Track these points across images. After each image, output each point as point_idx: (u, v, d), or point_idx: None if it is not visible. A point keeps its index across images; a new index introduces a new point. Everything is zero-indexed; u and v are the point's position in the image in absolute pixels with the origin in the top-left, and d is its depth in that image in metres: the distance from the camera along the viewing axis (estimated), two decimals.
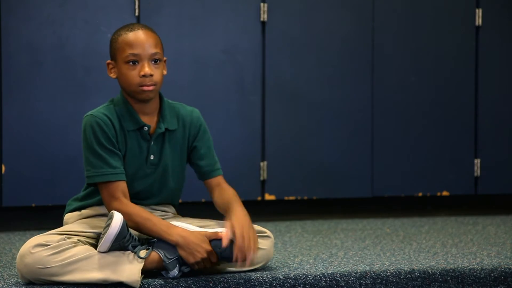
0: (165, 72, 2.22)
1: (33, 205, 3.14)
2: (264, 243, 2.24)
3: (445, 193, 3.61)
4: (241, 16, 3.36)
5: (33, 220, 3.18)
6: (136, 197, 2.22)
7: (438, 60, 3.60)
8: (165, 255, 2.11)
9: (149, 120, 2.22)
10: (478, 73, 3.62)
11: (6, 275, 2.23)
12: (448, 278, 2.34)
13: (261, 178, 3.41)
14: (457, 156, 3.62)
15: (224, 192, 2.29)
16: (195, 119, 2.27)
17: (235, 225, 2.13)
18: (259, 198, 3.41)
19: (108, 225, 2.04)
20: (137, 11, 3.22)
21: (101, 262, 2.05)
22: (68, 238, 2.10)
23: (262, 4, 3.37)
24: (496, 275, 2.37)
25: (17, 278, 2.19)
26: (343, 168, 3.50)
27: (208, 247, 2.10)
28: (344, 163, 3.50)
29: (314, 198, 3.49)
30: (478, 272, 2.36)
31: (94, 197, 2.24)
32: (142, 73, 2.14)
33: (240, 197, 3.37)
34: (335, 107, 3.49)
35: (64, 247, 2.05)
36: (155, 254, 2.12)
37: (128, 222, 2.11)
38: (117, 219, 2.03)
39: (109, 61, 2.21)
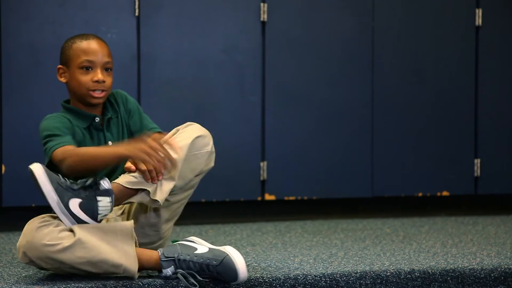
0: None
1: (33, 205, 3.13)
2: (188, 128, 2.24)
3: (445, 193, 3.61)
4: (241, 16, 3.36)
5: None
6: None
7: (438, 60, 3.60)
8: (163, 253, 2.12)
9: (96, 113, 2.33)
10: (478, 73, 3.62)
11: (6, 275, 2.23)
12: (448, 278, 2.34)
13: (261, 178, 3.41)
14: (457, 156, 3.62)
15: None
16: (120, 95, 2.37)
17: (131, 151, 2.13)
18: (259, 198, 3.41)
19: (35, 182, 2.07)
20: (137, 11, 3.22)
21: (95, 243, 2.06)
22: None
23: (262, 4, 3.37)
24: (496, 275, 2.37)
25: (17, 278, 2.19)
26: (343, 168, 3.50)
27: (145, 138, 2.10)
28: (344, 163, 3.50)
29: (314, 198, 3.49)
30: (478, 272, 2.36)
31: None
32: (95, 78, 2.26)
33: (240, 197, 3.39)
34: (335, 107, 3.49)
35: (64, 227, 2.08)
36: (155, 252, 2.12)
37: (80, 164, 2.12)
38: (35, 166, 2.08)
39: (60, 66, 2.34)
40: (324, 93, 3.48)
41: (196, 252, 2.11)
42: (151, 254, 2.13)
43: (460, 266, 2.38)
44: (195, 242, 2.17)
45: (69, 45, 2.31)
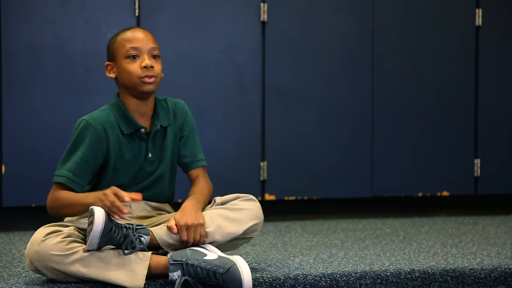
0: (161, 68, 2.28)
1: (33, 205, 3.14)
2: (248, 204, 2.23)
3: (445, 193, 3.61)
4: (241, 16, 3.36)
5: (33, 220, 3.18)
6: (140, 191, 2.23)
7: (438, 60, 3.60)
8: (171, 256, 2.10)
9: (145, 121, 2.26)
10: (478, 73, 3.62)
11: (6, 275, 2.23)
12: (448, 278, 2.34)
13: (261, 178, 3.41)
14: (457, 156, 3.62)
15: (195, 186, 2.31)
16: (180, 110, 2.33)
17: (178, 220, 2.14)
18: (259, 198, 3.40)
19: (91, 222, 2.03)
20: (137, 11, 3.22)
21: (104, 260, 2.06)
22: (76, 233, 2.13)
23: (262, 4, 3.37)
24: (496, 275, 2.37)
25: (17, 278, 2.19)
26: (343, 168, 3.50)
27: (109, 192, 2.07)
28: (344, 163, 3.50)
29: (314, 198, 3.49)
30: (478, 272, 2.36)
31: None
32: (143, 64, 2.20)
33: None
34: (335, 107, 3.49)
35: (73, 239, 2.08)
36: (163, 259, 2.11)
37: (56, 209, 2.16)
38: (99, 213, 2.03)
39: (108, 62, 2.27)
40: (324, 93, 3.48)
41: (205, 258, 2.10)
42: (159, 260, 2.12)
43: (460, 266, 2.38)
44: (206, 249, 2.15)
45: (114, 39, 2.26)
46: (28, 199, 3.13)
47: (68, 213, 2.18)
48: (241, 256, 2.13)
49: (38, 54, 3.12)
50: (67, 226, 2.16)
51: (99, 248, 2.06)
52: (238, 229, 2.18)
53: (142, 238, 2.10)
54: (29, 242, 2.10)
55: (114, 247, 2.08)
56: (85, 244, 2.07)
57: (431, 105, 3.60)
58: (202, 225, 2.14)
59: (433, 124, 3.60)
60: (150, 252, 2.11)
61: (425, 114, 3.59)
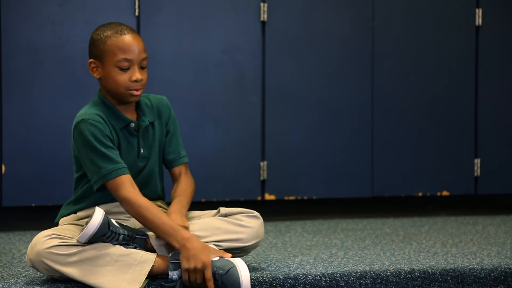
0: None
1: (33, 205, 3.13)
2: (251, 221, 2.22)
3: (445, 193, 3.61)
4: (241, 16, 3.36)
5: (33, 220, 3.18)
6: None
7: (438, 60, 3.60)
8: (173, 255, 2.10)
9: (131, 117, 2.24)
10: (478, 73, 3.62)
11: (6, 275, 2.23)
12: (448, 278, 2.34)
13: (261, 178, 3.41)
14: (457, 156, 3.62)
15: (179, 186, 2.29)
16: (165, 107, 2.30)
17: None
18: (259, 198, 3.40)
19: (88, 222, 2.06)
20: (137, 11, 3.22)
21: (105, 264, 2.07)
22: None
23: (262, 4, 3.37)
24: (496, 275, 2.37)
25: (17, 278, 2.19)
26: (343, 168, 3.50)
27: (207, 259, 2.06)
28: (344, 163, 3.50)
29: (314, 198, 3.49)
30: (478, 272, 2.36)
31: (88, 198, 2.23)
32: (134, 78, 2.15)
33: (240, 197, 3.38)
34: (335, 107, 3.49)
35: (71, 242, 2.08)
36: (166, 259, 2.11)
37: (136, 215, 2.11)
38: (97, 216, 2.04)
39: (91, 60, 2.19)
40: (324, 93, 3.47)
41: None
42: (163, 259, 2.12)
43: (460, 266, 2.38)
44: None
45: (103, 38, 2.16)
46: (28, 199, 3.13)
47: (144, 224, 2.14)
48: (247, 268, 2.09)
49: (38, 54, 3.11)
50: (66, 230, 2.15)
51: (90, 243, 2.08)
52: (237, 245, 2.19)
53: (138, 249, 2.12)
54: (30, 245, 2.10)
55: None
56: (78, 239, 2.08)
57: (431, 105, 3.60)
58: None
59: (433, 124, 3.60)
60: (154, 256, 2.10)
61: (425, 114, 3.59)
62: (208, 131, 3.33)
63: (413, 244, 2.79)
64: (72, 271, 2.06)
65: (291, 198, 3.44)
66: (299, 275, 2.24)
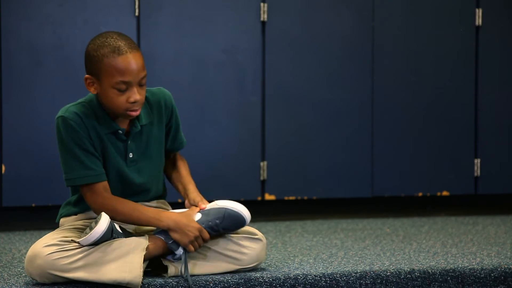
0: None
1: (33, 205, 3.13)
2: (253, 245, 2.23)
3: (445, 193, 3.61)
4: (241, 16, 3.36)
5: (33, 220, 3.18)
6: (127, 195, 2.21)
7: (438, 60, 3.60)
8: (166, 237, 2.14)
9: (124, 121, 2.18)
10: (478, 73, 3.62)
11: (6, 275, 2.23)
12: (448, 278, 2.34)
13: (261, 178, 3.40)
14: (457, 156, 3.62)
15: (180, 164, 2.33)
16: (168, 104, 2.26)
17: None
18: (259, 198, 3.40)
19: (96, 224, 2.07)
20: (137, 11, 3.22)
21: (105, 259, 2.08)
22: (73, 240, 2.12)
23: (262, 4, 3.37)
24: (496, 275, 2.37)
25: (17, 278, 2.19)
26: (343, 168, 3.50)
27: (197, 225, 2.14)
28: (344, 163, 3.50)
29: (314, 198, 3.49)
30: (478, 272, 2.36)
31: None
32: (132, 100, 2.09)
33: (240, 197, 3.38)
34: (335, 107, 3.49)
35: (71, 247, 2.08)
36: (158, 240, 2.14)
37: (116, 217, 2.13)
38: (103, 223, 2.06)
39: (88, 75, 2.12)
40: (324, 93, 3.47)
41: (196, 220, 2.15)
42: (156, 241, 2.14)
43: (460, 266, 2.38)
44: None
45: (99, 57, 2.07)
46: (28, 199, 3.13)
47: (134, 223, 2.18)
48: (235, 202, 2.20)
49: (38, 54, 3.11)
50: (65, 232, 2.16)
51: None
52: (235, 267, 2.23)
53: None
54: (27, 258, 2.08)
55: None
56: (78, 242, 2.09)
57: (431, 105, 3.60)
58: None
59: (433, 124, 3.60)
60: (146, 240, 2.12)
61: (425, 114, 3.59)
62: (208, 131, 3.33)
63: (413, 244, 2.79)
64: (79, 275, 2.07)
65: (291, 198, 3.44)
66: (299, 275, 2.24)
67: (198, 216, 2.17)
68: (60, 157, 2.15)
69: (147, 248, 2.11)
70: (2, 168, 3.10)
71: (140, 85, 2.11)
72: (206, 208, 2.19)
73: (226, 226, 2.17)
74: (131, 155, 2.20)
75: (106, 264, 2.07)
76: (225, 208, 2.17)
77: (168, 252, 2.16)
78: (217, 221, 2.15)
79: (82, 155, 2.11)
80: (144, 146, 2.22)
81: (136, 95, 2.09)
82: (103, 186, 2.14)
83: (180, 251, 2.14)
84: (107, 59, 2.07)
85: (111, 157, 2.18)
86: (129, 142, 2.19)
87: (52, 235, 2.13)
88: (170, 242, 2.14)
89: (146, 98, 2.22)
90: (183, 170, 2.31)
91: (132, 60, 2.07)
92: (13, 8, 3.07)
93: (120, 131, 2.17)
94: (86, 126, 2.13)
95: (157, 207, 2.28)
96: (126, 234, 2.16)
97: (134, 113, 2.12)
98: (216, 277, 2.17)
